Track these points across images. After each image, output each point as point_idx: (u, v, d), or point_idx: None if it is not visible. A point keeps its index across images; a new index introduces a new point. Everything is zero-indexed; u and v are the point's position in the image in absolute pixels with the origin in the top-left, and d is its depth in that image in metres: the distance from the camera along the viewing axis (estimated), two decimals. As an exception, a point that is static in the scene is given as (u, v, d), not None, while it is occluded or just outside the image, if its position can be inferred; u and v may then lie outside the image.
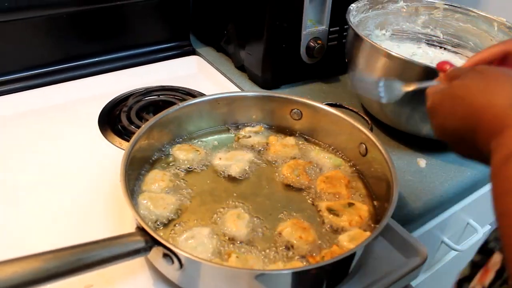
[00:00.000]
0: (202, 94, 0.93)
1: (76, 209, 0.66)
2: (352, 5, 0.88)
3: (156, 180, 0.66)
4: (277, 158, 0.74)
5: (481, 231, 1.03)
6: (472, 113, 0.46)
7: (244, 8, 0.96)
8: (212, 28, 1.10)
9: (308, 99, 0.77)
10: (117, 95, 0.93)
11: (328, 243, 0.60)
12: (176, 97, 0.92)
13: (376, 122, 0.86)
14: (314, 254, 0.58)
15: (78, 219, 0.65)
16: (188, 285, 0.55)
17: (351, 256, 0.52)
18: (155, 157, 0.72)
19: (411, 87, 0.61)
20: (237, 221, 0.61)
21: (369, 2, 0.92)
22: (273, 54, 0.94)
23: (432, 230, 0.85)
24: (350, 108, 0.78)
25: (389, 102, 0.64)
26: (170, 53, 1.07)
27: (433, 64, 0.72)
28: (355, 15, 0.88)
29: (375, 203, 0.67)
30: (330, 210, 0.64)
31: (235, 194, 0.67)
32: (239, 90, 0.96)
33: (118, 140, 0.81)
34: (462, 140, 0.48)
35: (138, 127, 0.77)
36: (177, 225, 0.61)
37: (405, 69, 0.74)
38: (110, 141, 0.80)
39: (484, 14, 0.90)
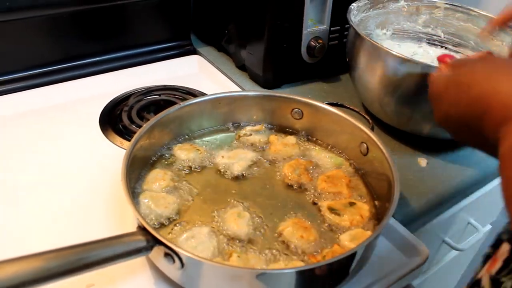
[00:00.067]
0: (203, 94, 0.93)
1: (77, 209, 0.66)
2: (353, 4, 0.88)
3: (157, 180, 0.66)
4: (277, 157, 0.74)
5: (482, 231, 1.03)
6: (478, 100, 0.45)
7: (245, 8, 0.96)
8: (213, 28, 1.10)
9: (309, 99, 0.77)
10: (118, 95, 0.93)
11: (329, 242, 0.60)
12: (177, 96, 0.92)
13: (377, 122, 0.86)
14: (315, 254, 0.58)
15: (78, 218, 0.65)
16: (189, 285, 0.55)
17: (352, 255, 0.52)
18: (156, 156, 0.72)
19: None
20: (237, 220, 0.61)
21: (370, 2, 0.92)
22: (274, 54, 0.94)
23: (433, 229, 0.85)
24: (351, 107, 0.78)
25: None
26: (171, 53, 1.06)
27: (434, 63, 0.72)
28: (356, 14, 0.88)
29: (376, 202, 0.67)
30: (331, 210, 0.64)
31: (236, 194, 0.67)
32: (240, 89, 0.96)
33: (119, 139, 0.81)
34: (467, 127, 0.48)
35: (139, 126, 0.77)
36: (178, 224, 0.61)
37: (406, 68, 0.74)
38: (111, 141, 0.80)
39: (485, 14, 0.90)
